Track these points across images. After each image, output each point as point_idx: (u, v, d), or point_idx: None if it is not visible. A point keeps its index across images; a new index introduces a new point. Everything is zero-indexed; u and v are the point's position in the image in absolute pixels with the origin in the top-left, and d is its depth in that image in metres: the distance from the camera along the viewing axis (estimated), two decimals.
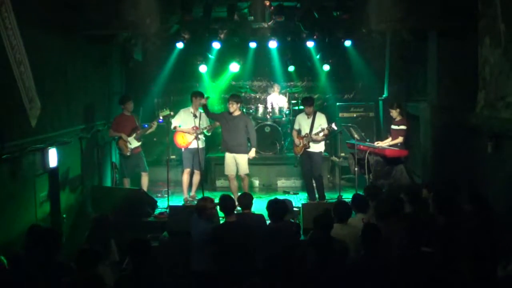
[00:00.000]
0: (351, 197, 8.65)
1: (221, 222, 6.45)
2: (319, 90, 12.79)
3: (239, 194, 7.59)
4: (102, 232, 5.75)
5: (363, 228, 5.08)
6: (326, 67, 12.23)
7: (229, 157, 8.92)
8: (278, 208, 5.97)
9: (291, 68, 12.51)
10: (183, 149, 9.17)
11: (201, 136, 9.11)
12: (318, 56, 12.17)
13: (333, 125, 8.82)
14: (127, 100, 9.12)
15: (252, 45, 11.91)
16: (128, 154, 8.97)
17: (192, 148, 9.12)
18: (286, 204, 6.31)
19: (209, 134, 9.36)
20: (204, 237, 5.78)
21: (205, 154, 9.75)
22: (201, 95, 9.20)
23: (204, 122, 9.15)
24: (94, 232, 5.83)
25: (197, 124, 8.95)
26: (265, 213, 6.28)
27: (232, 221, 5.93)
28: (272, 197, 9.33)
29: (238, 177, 9.04)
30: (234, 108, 8.82)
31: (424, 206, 6.24)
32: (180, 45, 11.12)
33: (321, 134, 8.78)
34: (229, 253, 5.52)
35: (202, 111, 9.08)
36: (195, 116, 8.98)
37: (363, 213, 6.17)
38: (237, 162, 8.89)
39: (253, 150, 8.95)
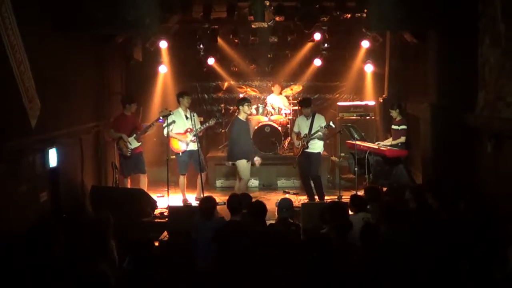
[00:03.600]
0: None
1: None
2: (319, 90, 12.79)
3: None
4: (102, 232, 5.74)
5: (362, 228, 5.08)
6: (326, 67, 12.24)
7: (247, 163, 8.83)
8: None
9: (291, 68, 12.51)
10: (180, 153, 9.10)
11: (194, 138, 8.95)
12: (318, 56, 12.16)
13: (331, 123, 8.82)
14: (131, 101, 9.11)
15: (252, 45, 11.92)
16: (129, 154, 8.96)
17: (188, 151, 9.04)
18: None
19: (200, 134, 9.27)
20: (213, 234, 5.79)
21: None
22: (186, 94, 9.15)
23: (197, 123, 9.08)
24: (94, 232, 5.83)
25: (190, 126, 8.89)
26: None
27: (237, 221, 5.94)
28: (272, 197, 9.47)
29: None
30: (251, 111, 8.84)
31: (427, 206, 6.26)
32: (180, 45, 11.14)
33: (319, 134, 8.77)
34: (231, 253, 5.52)
35: (195, 115, 9.05)
36: (186, 117, 8.94)
37: (363, 212, 6.17)
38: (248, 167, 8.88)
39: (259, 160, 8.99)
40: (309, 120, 8.98)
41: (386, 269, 4.69)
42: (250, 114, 8.81)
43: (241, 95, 12.17)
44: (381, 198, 6.59)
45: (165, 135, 8.97)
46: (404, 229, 5.46)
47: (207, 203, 6.13)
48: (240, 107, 8.83)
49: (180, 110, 9.06)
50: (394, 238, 5.33)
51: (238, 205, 6.03)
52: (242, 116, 8.85)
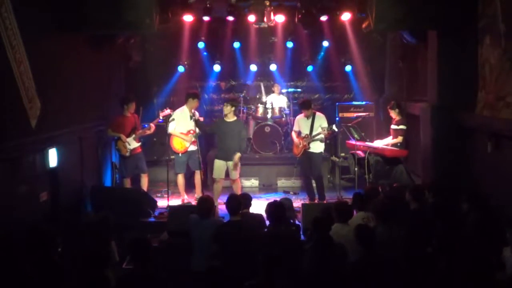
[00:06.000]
0: (351, 197, 8.71)
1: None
2: (319, 90, 12.79)
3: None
4: (103, 232, 5.75)
5: (356, 230, 5.09)
6: (326, 67, 12.25)
7: (220, 163, 8.75)
8: (276, 210, 5.95)
9: (291, 68, 12.53)
10: (180, 154, 9.02)
11: (195, 139, 8.93)
12: (318, 56, 12.18)
13: (334, 127, 8.82)
14: (130, 101, 9.09)
15: (252, 45, 11.93)
16: (127, 154, 8.95)
17: (188, 152, 9.01)
18: (284, 206, 6.28)
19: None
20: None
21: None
22: (197, 96, 9.15)
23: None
24: (94, 233, 5.83)
25: (193, 127, 8.87)
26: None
27: (237, 220, 5.94)
28: (272, 197, 9.47)
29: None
30: (228, 110, 8.70)
31: (427, 206, 6.25)
32: (180, 45, 11.18)
33: (321, 136, 8.78)
34: (232, 252, 5.52)
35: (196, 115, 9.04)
36: (190, 117, 8.92)
37: (364, 211, 6.17)
38: (229, 167, 8.75)
39: (238, 154, 8.67)
40: (310, 120, 8.97)
41: (382, 269, 4.70)
42: (226, 116, 8.75)
43: (241, 95, 12.19)
44: (378, 198, 6.60)
45: (168, 132, 8.95)
46: (400, 229, 5.47)
47: (205, 203, 6.13)
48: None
49: (186, 109, 9.02)
50: (390, 237, 5.34)
51: (237, 205, 6.03)
52: (225, 118, 8.83)
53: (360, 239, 4.98)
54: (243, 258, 5.37)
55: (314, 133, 8.87)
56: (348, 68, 11.90)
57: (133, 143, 8.99)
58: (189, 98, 9.02)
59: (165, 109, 9.03)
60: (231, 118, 8.79)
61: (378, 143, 9.23)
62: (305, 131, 8.98)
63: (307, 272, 4.92)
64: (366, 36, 10.77)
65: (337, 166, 10.76)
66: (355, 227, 5.21)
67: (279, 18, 10.19)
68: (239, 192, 8.52)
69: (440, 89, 8.27)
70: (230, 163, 8.69)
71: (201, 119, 9.45)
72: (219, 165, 8.78)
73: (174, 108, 9.28)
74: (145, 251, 4.77)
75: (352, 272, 4.74)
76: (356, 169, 8.93)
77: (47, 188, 7.09)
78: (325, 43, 11.80)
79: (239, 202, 6.12)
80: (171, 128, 8.91)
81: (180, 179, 9.17)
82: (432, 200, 6.39)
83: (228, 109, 8.72)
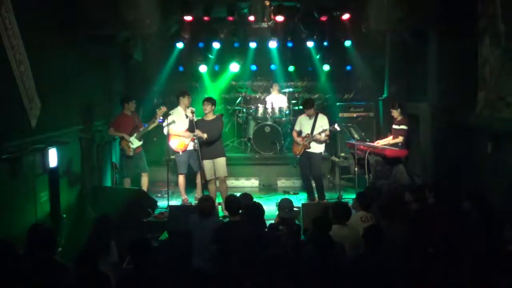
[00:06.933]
0: (351, 197, 8.73)
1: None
2: (319, 90, 12.79)
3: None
4: (103, 232, 5.74)
5: (367, 229, 5.08)
6: (326, 67, 12.26)
7: (207, 163, 8.72)
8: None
9: (291, 68, 12.53)
10: (180, 152, 9.05)
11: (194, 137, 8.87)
12: (318, 56, 12.18)
13: (336, 126, 8.80)
14: (129, 99, 9.09)
15: (252, 45, 11.94)
16: (131, 154, 8.93)
17: (187, 151, 9.00)
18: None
19: None
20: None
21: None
22: (187, 94, 9.14)
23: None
24: (95, 232, 5.83)
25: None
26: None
27: (236, 220, 5.94)
28: (272, 197, 9.47)
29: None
30: (209, 109, 8.66)
31: (428, 206, 6.26)
32: (180, 45, 11.18)
33: (323, 135, 8.77)
34: (232, 252, 5.52)
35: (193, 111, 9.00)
36: (186, 116, 8.89)
37: (366, 211, 6.16)
38: (216, 166, 8.73)
39: (200, 132, 8.49)
40: (312, 120, 8.94)
41: (382, 269, 4.70)
42: (206, 115, 8.71)
43: (241, 96, 12.19)
44: (380, 198, 6.60)
45: (166, 134, 8.94)
46: (402, 229, 5.47)
47: (206, 202, 6.13)
48: None
49: (180, 109, 9.04)
50: (390, 237, 5.34)
51: (236, 206, 6.03)
52: (205, 117, 8.77)
53: (367, 238, 4.96)
54: (243, 258, 5.37)
55: (315, 132, 8.86)
56: (348, 68, 11.89)
57: (135, 142, 8.99)
58: (179, 97, 9.08)
59: (161, 107, 8.98)
60: (210, 116, 8.75)
61: (381, 144, 9.21)
62: (307, 131, 8.95)
63: (307, 272, 4.92)
64: (366, 36, 10.77)
65: (337, 166, 10.76)
66: (367, 227, 5.19)
67: (279, 18, 10.19)
68: (226, 192, 8.51)
69: (440, 89, 8.28)
70: (217, 160, 8.69)
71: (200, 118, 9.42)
72: (207, 165, 8.76)
73: (173, 107, 9.25)
74: (145, 251, 4.77)
75: (352, 272, 4.74)
76: (356, 169, 8.92)
77: (47, 188, 7.09)
78: (325, 43, 11.80)
79: (238, 202, 6.12)
80: (165, 131, 8.87)
81: (182, 179, 9.17)
82: (433, 200, 6.39)
83: (209, 108, 8.67)
